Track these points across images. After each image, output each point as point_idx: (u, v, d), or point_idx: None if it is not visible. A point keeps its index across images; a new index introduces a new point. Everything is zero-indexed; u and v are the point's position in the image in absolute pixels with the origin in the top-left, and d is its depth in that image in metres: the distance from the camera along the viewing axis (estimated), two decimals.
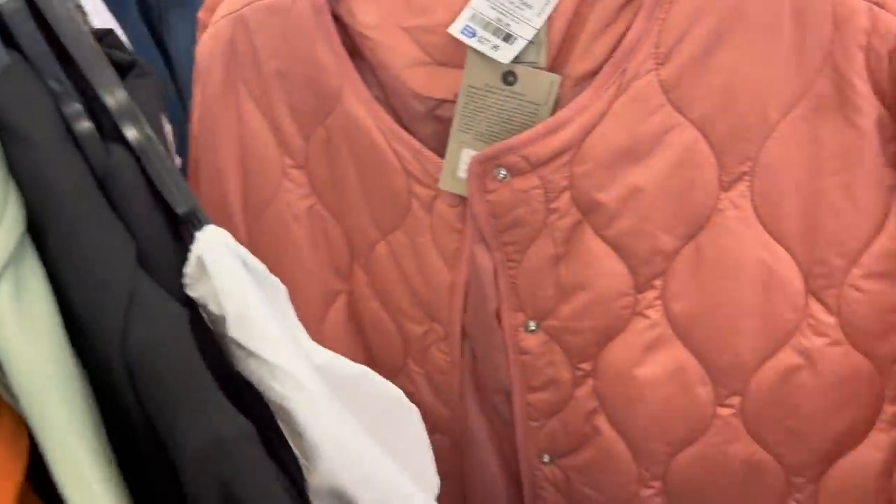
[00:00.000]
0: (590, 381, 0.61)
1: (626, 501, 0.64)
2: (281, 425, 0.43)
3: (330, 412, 0.42)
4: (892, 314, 0.51)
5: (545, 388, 0.61)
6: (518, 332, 0.60)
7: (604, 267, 0.55)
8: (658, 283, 0.55)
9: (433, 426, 0.72)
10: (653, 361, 0.57)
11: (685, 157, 0.52)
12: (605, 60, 0.53)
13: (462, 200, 0.60)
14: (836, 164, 0.49)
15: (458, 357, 0.66)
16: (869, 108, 0.48)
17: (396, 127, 0.59)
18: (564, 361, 0.60)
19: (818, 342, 0.52)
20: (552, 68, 0.52)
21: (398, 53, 0.56)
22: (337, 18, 0.58)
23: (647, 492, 0.62)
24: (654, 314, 0.56)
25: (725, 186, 0.51)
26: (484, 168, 0.54)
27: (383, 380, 0.48)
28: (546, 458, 0.65)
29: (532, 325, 0.60)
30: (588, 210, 0.54)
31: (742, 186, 0.51)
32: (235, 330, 0.41)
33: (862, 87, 0.47)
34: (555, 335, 0.59)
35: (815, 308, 0.52)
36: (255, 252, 0.69)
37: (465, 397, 0.70)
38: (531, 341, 0.60)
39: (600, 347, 0.59)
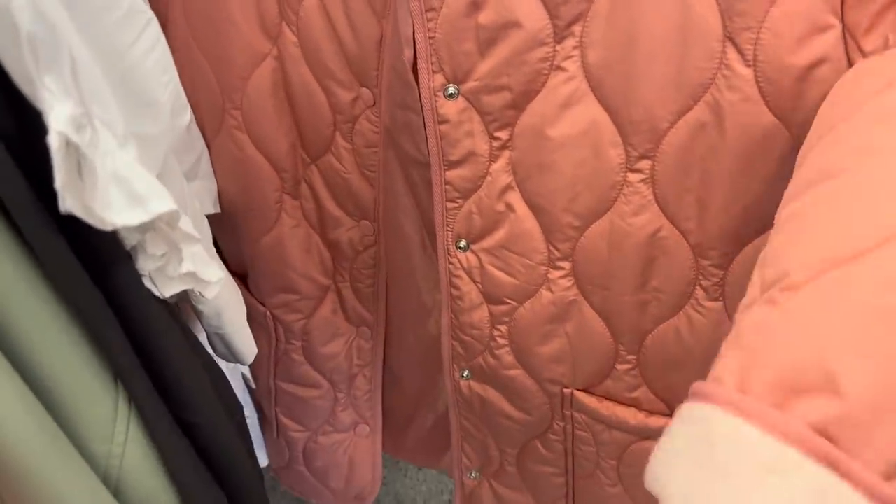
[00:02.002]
0: (506, 154, 0.58)
1: (536, 285, 0.62)
2: None
3: None
4: (810, 70, 0.47)
5: (463, 163, 0.59)
6: (437, 98, 0.57)
7: (523, 10, 0.52)
8: (577, 28, 0.51)
9: (360, 212, 0.71)
10: (567, 119, 0.54)
11: None
12: None
13: None
14: None
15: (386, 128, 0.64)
16: None
17: None
18: (482, 131, 0.57)
19: (731, 97, 0.48)
20: None
21: None
22: None
23: (556, 273, 0.61)
24: (572, 66, 0.52)
25: None
26: None
27: None
28: (462, 244, 0.63)
29: (451, 90, 0.56)
30: None
31: None
32: None
33: None
34: (473, 99, 0.56)
35: (732, 56, 0.47)
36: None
37: (389, 173, 0.68)
38: (450, 108, 0.57)
39: (519, 111, 0.56)
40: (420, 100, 0.58)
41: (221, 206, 0.72)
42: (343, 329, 0.81)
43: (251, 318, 0.75)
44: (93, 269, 0.41)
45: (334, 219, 0.73)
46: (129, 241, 0.46)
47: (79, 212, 0.37)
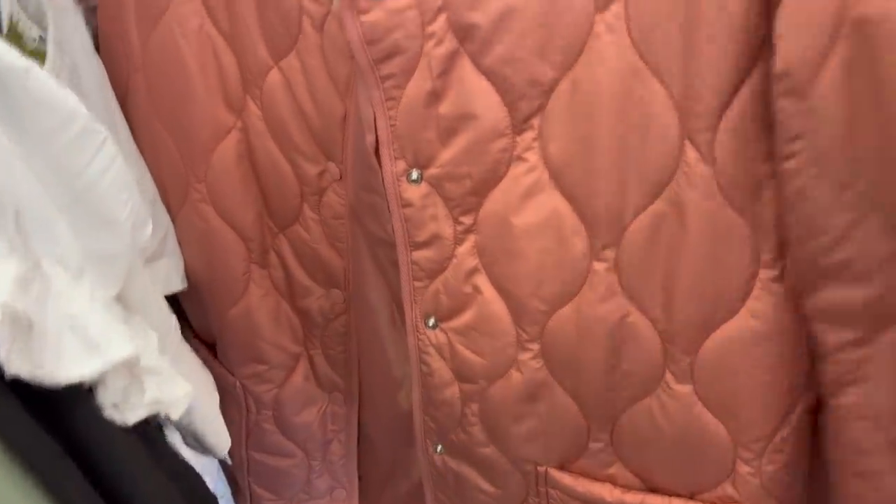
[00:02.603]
0: (471, 237, 0.57)
1: (506, 366, 0.61)
2: None
3: None
4: (764, 164, 0.46)
5: (428, 245, 0.58)
6: (400, 182, 0.56)
7: (481, 103, 0.51)
8: (535, 122, 0.50)
9: (329, 280, 0.70)
10: (530, 209, 0.53)
11: None
12: None
13: None
14: None
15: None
16: None
17: None
18: (446, 215, 0.56)
19: (692, 195, 0.47)
20: None
21: None
22: None
23: (526, 355, 0.59)
24: (532, 157, 0.52)
25: (601, 6, 0.46)
26: None
27: None
28: (431, 322, 0.62)
29: (414, 175, 0.56)
30: (464, 35, 0.49)
31: (617, 7, 0.46)
32: None
33: None
34: (436, 185, 0.55)
35: (691, 155, 0.47)
36: (147, 71, 0.66)
37: (357, 247, 0.67)
38: (414, 192, 0.56)
39: (481, 197, 0.55)
40: (384, 183, 0.57)
41: (188, 280, 0.71)
42: (316, 396, 0.80)
43: (221, 389, 0.73)
44: (48, 408, 0.39)
45: (304, 287, 0.72)
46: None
47: (26, 375, 0.36)
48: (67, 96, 0.42)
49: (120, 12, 0.64)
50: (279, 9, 0.57)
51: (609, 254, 0.52)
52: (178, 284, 0.68)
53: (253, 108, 0.64)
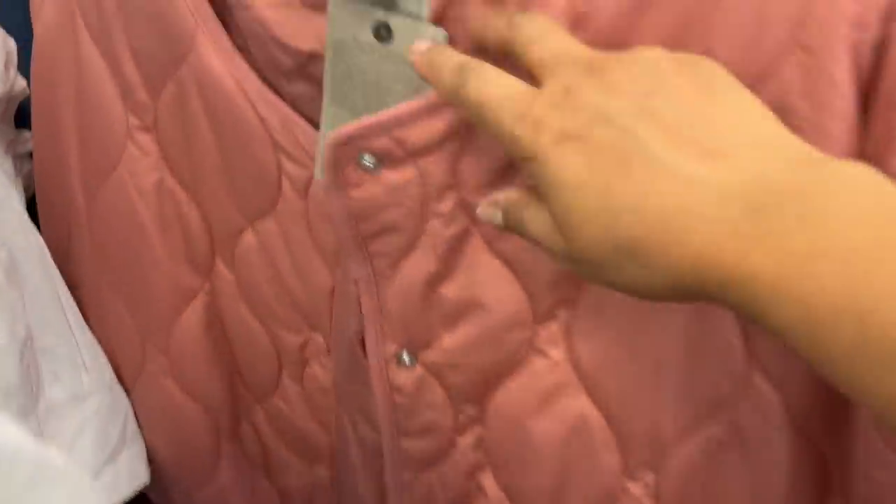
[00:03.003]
0: (476, 429, 0.48)
1: None
2: None
3: None
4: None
5: (422, 435, 0.49)
6: (389, 366, 0.47)
7: (496, 289, 0.42)
8: (562, 313, 0.42)
9: (312, 456, 0.60)
10: (551, 413, 0.44)
11: None
12: None
13: None
14: None
15: None
16: None
17: (261, 85, 0.45)
18: (446, 403, 0.47)
19: (756, 420, 0.39)
20: (438, 20, 0.38)
21: None
22: None
23: None
24: (556, 353, 0.43)
25: None
26: (345, 153, 0.41)
27: None
28: None
29: (406, 358, 0.47)
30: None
31: None
32: None
33: None
34: (435, 371, 0.46)
35: (758, 380, 0.38)
36: (94, 232, 0.57)
37: (342, 423, 0.57)
38: (405, 377, 0.48)
39: (489, 388, 0.46)
40: (367, 370, 0.48)
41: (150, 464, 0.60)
42: None
43: None
44: None
45: (283, 463, 0.62)
46: None
47: None
48: None
49: (59, 167, 0.55)
50: (253, 165, 0.48)
51: (647, 476, 0.43)
52: (142, 477, 0.58)
53: (223, 270, 0.55)
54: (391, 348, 0.46)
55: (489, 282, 0.42)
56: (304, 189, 0.48)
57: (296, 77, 0.44)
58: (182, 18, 0.45)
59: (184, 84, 0.48)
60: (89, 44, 0.50)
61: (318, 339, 0.54)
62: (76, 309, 0.55)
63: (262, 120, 0.46)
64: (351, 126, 0.40)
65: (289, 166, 0.47)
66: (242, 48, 0.46)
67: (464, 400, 0.47)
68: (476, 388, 0.46)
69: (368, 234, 0.43)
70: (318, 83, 0.44)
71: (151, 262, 0.55)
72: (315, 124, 0.45)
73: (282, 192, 0.49)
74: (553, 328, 0.43)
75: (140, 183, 0.53)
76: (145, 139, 0.52)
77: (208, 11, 0.45)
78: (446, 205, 0.41)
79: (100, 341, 0.57)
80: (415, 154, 0.40)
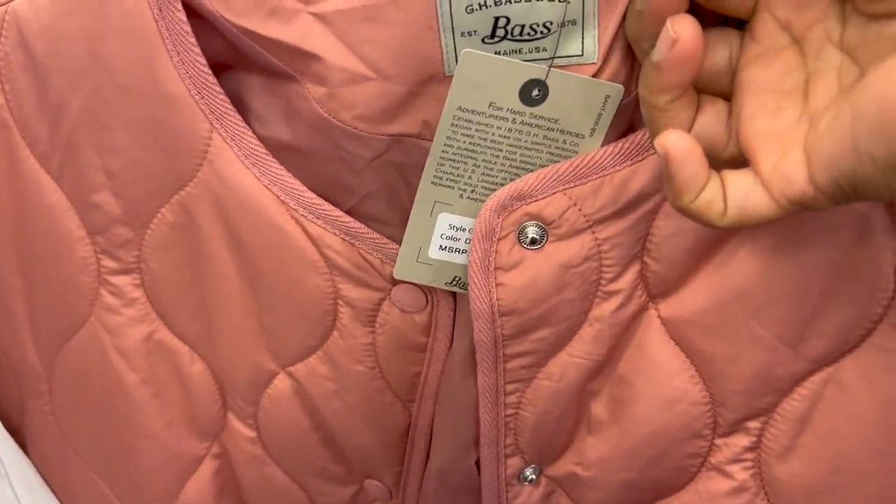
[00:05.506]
0: None
1: None
2: None
3: None
4: None
5: None
6: (511, 486, 0.39)
7: (667, 386, 0.35)
8: (754, 424, 0.36)
9: None
10: None
11: None
12: None
13: (429, 299, 0.37)
14: None
15: None
16: None
17: (309, 194, 0.35)
18: None
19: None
20: (602, 71, 0.30)
21: (316, 66, 0.31)
22: (193, 9, 0.33)
23: None
24: (741, 474, 0.36)
25: None
26: (501, 225, 0.32)
27: None
28: None
29: (530, 474, 0.39)
30: (663, 290, 0.34)
31: None
32: None
33: None
34: (568, 487, 0.39)
35: None
36: (56, 402, 0.43)
37: None
38: (527, 496, 0.40)
39: None
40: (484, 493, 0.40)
41: None
42: None
43: None
44: None
45: None
46: None
47: None
48: None
49: (10, 322, 0.40)
50: (295, 298, 0.37)
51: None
52: None
53: (238, 428, 0.43)
54: (514, 466, 0.39)
55: (659, 377, 0.35)
56: (370, 317, 0.38)
57: (365, 172, 0.34)
58: (190, 121, 0.34)
59: (190, 207, 0.36)
60: (34, 168, 0.37)
61: (374, 486, 0.44)
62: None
63: (311, 239, 0.36)
64: (513, 187, 0.31)
65: (349, 291, 0.37)
66: (275, 144, 0.35)
67: None
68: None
69: (516, 331, 0.35)
70: (392, 174, 0.34)
71: (139, 434, 0.42)
72: (388, 232, 0.36)
73: (337, 323, 0.38)
74: (741, 442, 0.36)
75: (119, 340, 0.40)
76: (125, 284, 0.39)
77: (228, 109, 0.34)
78: (626, 281, 0.34)
79: None
80: (598, 218, 0.32)
